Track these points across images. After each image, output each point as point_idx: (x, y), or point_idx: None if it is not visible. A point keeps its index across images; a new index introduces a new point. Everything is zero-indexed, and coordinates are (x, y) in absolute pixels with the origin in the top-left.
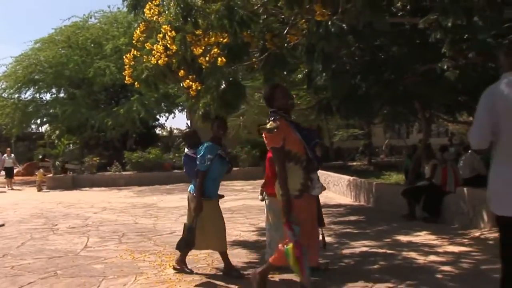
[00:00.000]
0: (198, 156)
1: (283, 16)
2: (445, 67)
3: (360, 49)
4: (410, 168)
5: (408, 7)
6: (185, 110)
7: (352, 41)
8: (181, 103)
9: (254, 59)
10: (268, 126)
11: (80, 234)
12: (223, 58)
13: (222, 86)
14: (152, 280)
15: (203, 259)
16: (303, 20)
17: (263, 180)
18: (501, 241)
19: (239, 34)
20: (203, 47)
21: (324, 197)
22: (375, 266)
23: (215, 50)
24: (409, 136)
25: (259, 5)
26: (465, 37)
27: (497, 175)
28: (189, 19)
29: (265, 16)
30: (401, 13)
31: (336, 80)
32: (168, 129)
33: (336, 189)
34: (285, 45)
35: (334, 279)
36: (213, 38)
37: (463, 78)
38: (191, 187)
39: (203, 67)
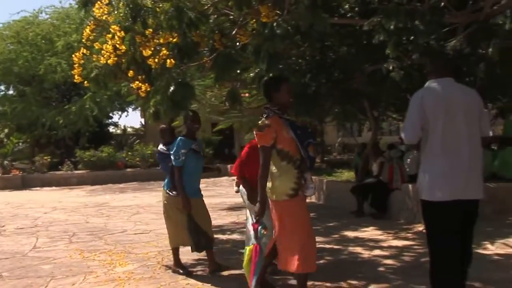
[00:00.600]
0: (172, 152)
1: (231, 17)
2: (391, 67)
3: (310, 49)
4: (360, 166)
5: (356, 9)
6: (139, 108)
7: (300, 41)
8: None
9: (205, 58)
10: (259, 123)
11: (28, 235)
12: (172, 59)
13: (171, 88)
14: (101, 279)
15: (153, 257)
16: (254, 20)
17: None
18: (428, 227)
19: (188, 34)
20: (152, 48)
21: None
22: (321, 261)
23: (164, 51)
24: (361, 134)
25: (209, 5)
26: (411, 38)
27: (429, 166)
28: (138, 19)
29: (215, 16)
30: (350, 14)
31: None
32: (122, 127)
33: None
34: (237, 44)
35: (281, 274)
36: (162, 39)
37: (407, 78)
38: (165, 184)
39: (153, 68)
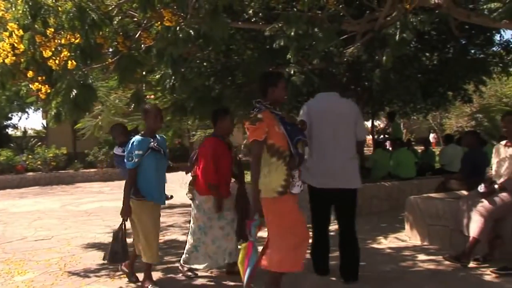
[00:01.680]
0: (126, 153)
1: (136, 19)
2: (292, 72)
3: (215, 52)
4: None
5: (260, 14)
6: (40, 110)
7: (204, 44)
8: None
9: (109, 60)
10: (250, 118)
11: None
12: (73, 61)
13: (74, 91)
14: None
15: (55, 264)
16: (158, 23)
17: (190, 177)
18: (312, 208)
19: (91, 35)
20: (53, 49)
21: (183, 197)
22: (226, 261)
23: (66, 52)
24: None
25: (113, 6)
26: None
27: (311, 160)
28: (38, 18)
29: (119, 17)
30: (254, 19)
31: (185, 83)
32: (22, 129)
33: None
34: (141, 46)
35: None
36: (63, 40)
37: (307, 83)
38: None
39: (53, 69)
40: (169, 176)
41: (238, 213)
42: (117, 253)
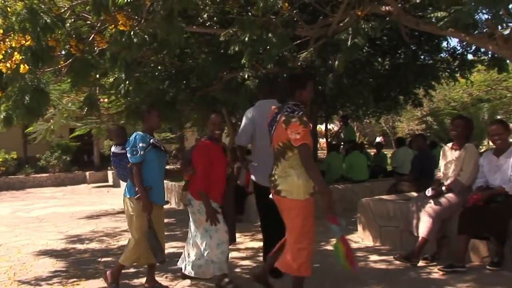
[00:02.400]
0: (129, 149)
1: (89, 22)
2: (246, 76)
3: (169, 56)
4: None
5: (215, 18)
6: None
7: (158, 48)
8: None
9: (61, 63)
10: (299, 120)
11: None
12: (25, 65)
13: (27, 96)
14: None
15: (4, 273)
16: (112, 26)
17: (183, 184)
18: (258, 205)
19: (42, 38)
20: (3, 52)
21: None
22: (174, 267)
23: (17, 56)
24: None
25: (66, 8)
26: (267, 48)
27: (255, 161)
28: None
29: (72, 20)
30: (208, 23)
31: (139, 87)
32: None
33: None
34: (95, 49)
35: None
36: (14, 42)
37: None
38: (126, 190)
39: (4, 72)
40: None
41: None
42: (158, 251)
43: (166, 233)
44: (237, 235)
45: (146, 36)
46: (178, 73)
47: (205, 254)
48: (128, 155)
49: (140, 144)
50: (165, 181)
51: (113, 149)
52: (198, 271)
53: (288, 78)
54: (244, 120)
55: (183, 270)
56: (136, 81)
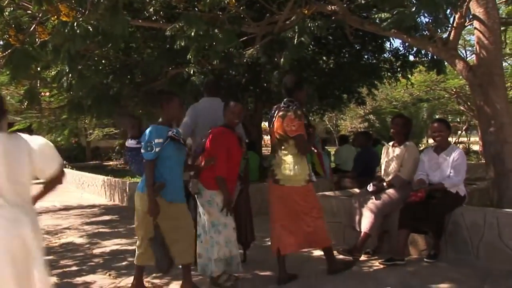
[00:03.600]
0: (143, 143)
1: (30, 11)
2: (192, 72)
3: (114, 50)
4: None
5: (161, 12)
6: None
7: (103, 42)
8: None
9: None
10: (294, 114)
11: None
12: None
13: None
14: None
15: None
16: (55, 17)
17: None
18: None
19: None
20: None
21: (79, 198)
22: (124, 263)
23: None
24: None
25: None
26: (213, 44)
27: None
28: None
29: (11, 9)
30: (154, 17)
31: (83, 81)
32: None
33: (91, 190)
34: (36, 40)
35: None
36: None
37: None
38: (140, 185)
39: None
40: (68, 177)
41: (240, 219)
42: (159, 260)
43: (109, 230)
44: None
45: (90, 28)
46: (122, 68)
47: (212, 250)
48: (142, 150)
49: (156, 140)
50: (108, 178)
51: (127, 143)
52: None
53: (289, 79)
54: (186, 116)
55: (211, 274)
56: (79, 74)
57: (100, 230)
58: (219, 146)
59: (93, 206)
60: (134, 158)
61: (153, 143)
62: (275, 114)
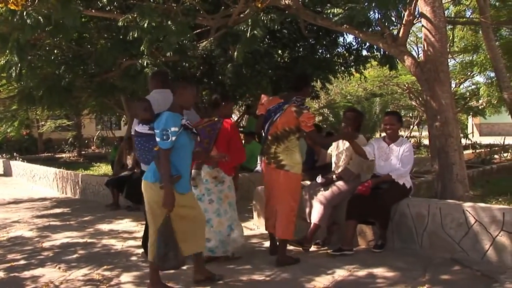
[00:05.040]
0: (158, 131)
1: None
2: (145, 63)
3: (66, 40)
4: (116, 159)
5: (115, 3)
6: None
7: (54, 32)
8: None
9: None
10: (308, 112)
11: None
12: None
13: None
14: None
15: None
16: (3, 4)
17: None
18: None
19: None
20: None
21: (30, 191)
22: (74, 256)
23: None
24: (120, 127)
25: None
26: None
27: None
28: None
29: None
30: (108, 8)
31: (33, 71)
32: None
33: (42, 182)
34: None
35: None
36: None
37: None
38: (151, 174)
39: None
40: (18, 169)
41: None
42: (166, 256)
43: (60, 223)
44: (134, 223)
45: (40, 17)
46: (75, 58)
47: (234, 227)
48: (157, 139)
49: (172, 128)
50: (60, 170)
51: (138, 128)
52: (235, 245)
53: (300, 76)
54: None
55: (226, 253)
56: (30, 64)
57: (51, 223)
58: (238, 135)
59: (44, 199)
60: (144, 145)
61: (170, 131)
62: (283, 108)
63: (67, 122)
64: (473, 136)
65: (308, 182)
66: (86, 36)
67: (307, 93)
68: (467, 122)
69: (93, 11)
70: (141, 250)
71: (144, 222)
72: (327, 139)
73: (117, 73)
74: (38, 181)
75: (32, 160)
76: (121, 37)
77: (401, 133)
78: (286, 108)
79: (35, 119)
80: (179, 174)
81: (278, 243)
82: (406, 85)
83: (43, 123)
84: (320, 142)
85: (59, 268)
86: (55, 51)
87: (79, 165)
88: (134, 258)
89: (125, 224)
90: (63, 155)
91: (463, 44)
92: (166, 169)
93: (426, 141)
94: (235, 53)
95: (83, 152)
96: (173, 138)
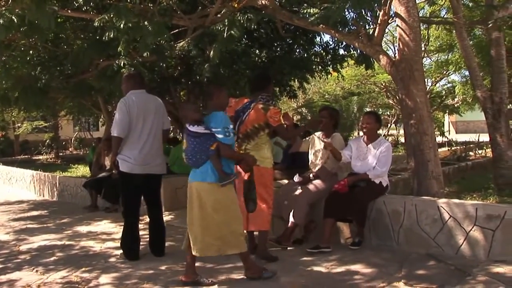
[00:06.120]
0: (220, 129)
1: None
2: (122, 64)
3: (41, 40)
4: (94, 160)
5: (91, 3)
6: None
7: (29, 32)
8: None
9: None
10: (275, 107)
11: None
12: None
13: None
14: None
15: None
16: None
17: None
18: (127, 196)
19: None
20: None
21: (6, 194)
22: (52, 258)
23: None
24: (98, 128)
25: None
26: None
27: (129, 151)
28: None
29: None
30: (84, 8)
31: (8, 72)
32: None
33: (19, 185)
34: None
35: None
36: None
37: None
38: (205, 175)
39: None
40: None
41: None
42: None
43: (37, 226)
44: (113, 225)
45: (14, 18)
46: (51, 59)
47: None
48: (220, 136)
49: (230, 126)
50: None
51: (193, 128)
52: None
53: (262, 74)
54: (119, 112)
55: None
56: (4, 65)
57: (28, 226)
58: None
59: (21, 201)
60: (201, 145)
61: (229, 128)
62: (251, 106)
63: (44, 124)
64: (449, 133)
65: (285, 181)
66: (62, 36)
67: (271, 90)
68: (444, 120)
69: (69, 11)
70: (119, 251)
71: (123, 224)
72: (295, 131)
73: (94, 73)
74: (15, 184)
75: (9, 163)
76: (97, 37)
77: (379, 131)
78: (253, 106)
79: (11, 121)
80: (232, 171)
81: (258, 237)
82: (383, 84)
83: (19, 124)
84: (289, 135)
85: (37, 271)
86: (31, 51)
87: (56, 167)
88: (112, 259)
89: (103, 226)
90: (40, 157)
91: (438, 43)
92: (234, 155)
93: (403, 139)
94: (211, 53)
95: (61, 154)
96: (232, 135)
